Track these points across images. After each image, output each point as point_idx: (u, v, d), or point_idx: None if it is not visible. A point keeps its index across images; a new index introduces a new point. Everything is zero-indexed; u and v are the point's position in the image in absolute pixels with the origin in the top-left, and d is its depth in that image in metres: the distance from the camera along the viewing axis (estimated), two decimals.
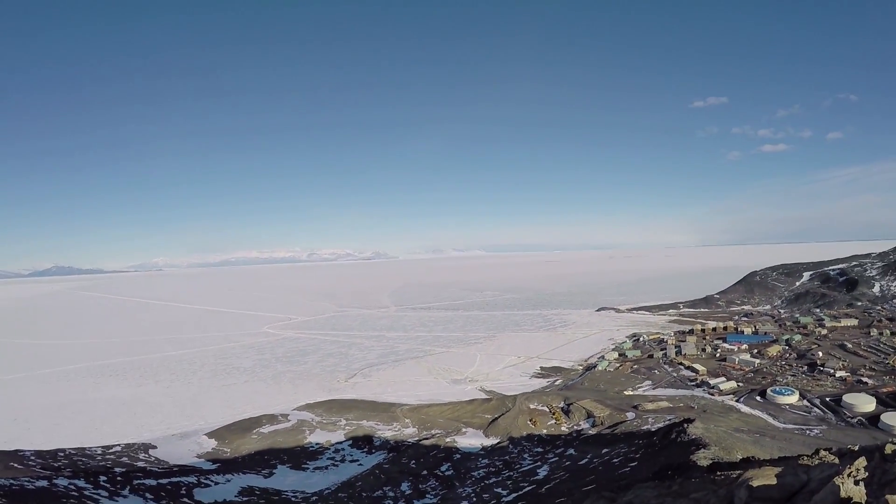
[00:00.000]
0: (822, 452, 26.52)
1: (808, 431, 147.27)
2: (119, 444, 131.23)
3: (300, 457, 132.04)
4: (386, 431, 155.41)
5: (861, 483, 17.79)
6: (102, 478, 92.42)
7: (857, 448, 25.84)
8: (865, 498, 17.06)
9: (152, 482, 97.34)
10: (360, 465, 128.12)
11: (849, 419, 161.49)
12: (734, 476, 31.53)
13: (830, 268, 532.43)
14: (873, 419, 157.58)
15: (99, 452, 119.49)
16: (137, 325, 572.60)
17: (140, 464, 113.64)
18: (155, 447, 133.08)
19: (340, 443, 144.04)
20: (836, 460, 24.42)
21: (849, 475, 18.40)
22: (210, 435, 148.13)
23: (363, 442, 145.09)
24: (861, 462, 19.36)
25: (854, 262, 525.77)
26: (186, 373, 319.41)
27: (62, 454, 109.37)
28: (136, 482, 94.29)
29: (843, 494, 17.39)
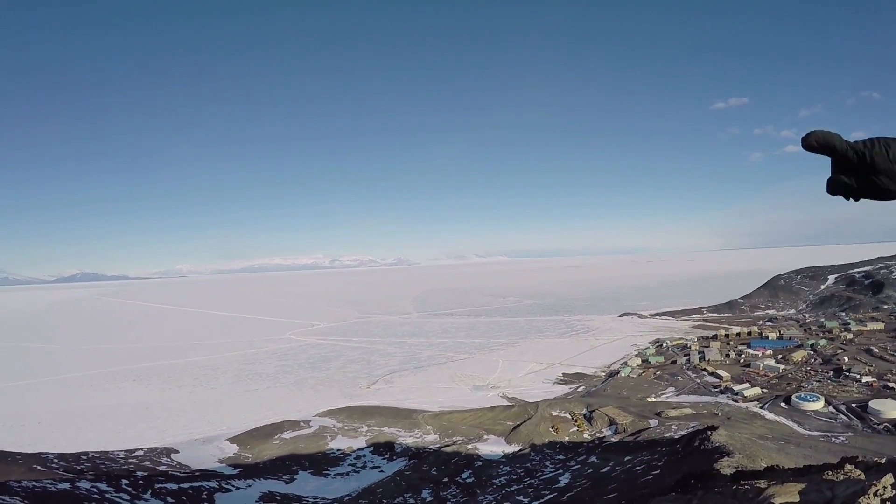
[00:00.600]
0: (848, 467, 25.39)
1: (833, 439, 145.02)
2: (141, 449, 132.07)
3: (321, 463, 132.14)
4: (407, 438, 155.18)
5: (888, 503, 16.84)
6: (124, 481, 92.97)
7: (884, 461, 24.93)
8: None
9: (174, 486, 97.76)
10: (382, 471, 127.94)
11: (875, 426, 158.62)
12: (758, 486, 30.74)
13: (855, 270, 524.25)
14: None
15: (122, 456, 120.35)
16: (161, 330, 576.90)
17: (162, 468, 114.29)
18: (177, 451, 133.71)
19: (362, 449, 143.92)
20: (862, 475, 23.09)
21: (875, 494, 17.40)
22: (232, 440, 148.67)
23: (384, 448, 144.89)
24: (888, 479, 18.12)
25: (880, 265, 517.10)
26: (209, 378, 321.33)
27: (85, 457, 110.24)
28: (157, 486, 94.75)
29: None
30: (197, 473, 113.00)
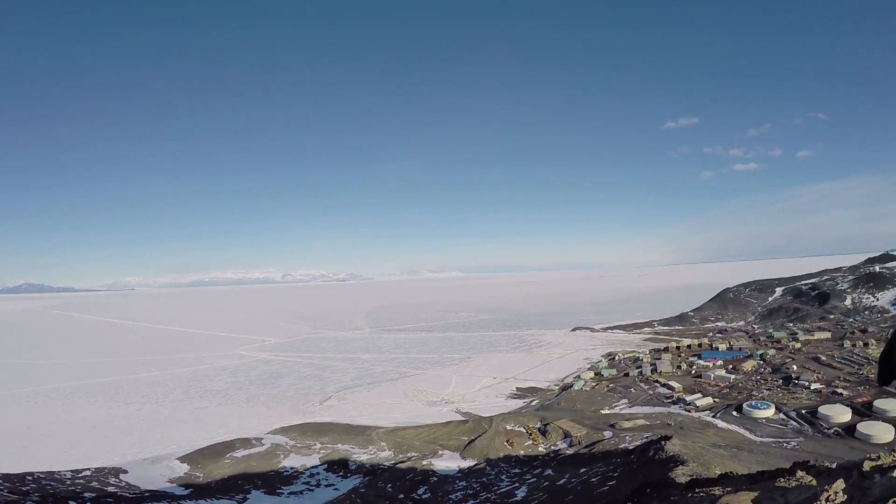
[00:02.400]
0: (800, 473, 25.73)
1: (785, 444, 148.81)
2: (89, 469, 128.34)
3: (274, 482, 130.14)
4: (362, 455, 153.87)
5: None
6: (72, 503, 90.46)
7: (835, 466, 25.47)
8: None
9: None
10: (336, 489, 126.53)
11: (825, 430, 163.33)
12: (712, 493, 31.20)
13: (802, 282, 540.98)
14: (850, 429, 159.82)
15: (69, 477, 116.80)
16: (109, 345, 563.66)
17: (110, 489, 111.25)
18: (126, 472, 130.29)
19: (315, 467, 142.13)
20: (814, 481, 23.57)
21: (826, 500, 17.80)
22: (182, 459, 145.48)
23: (338, 466, 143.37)
24: (839, 485, 18.54)
25: (825, 277, 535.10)
26: (158, 395, 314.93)
27: (30, 478, 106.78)
28: None
29: None
30: (147, 494, 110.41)
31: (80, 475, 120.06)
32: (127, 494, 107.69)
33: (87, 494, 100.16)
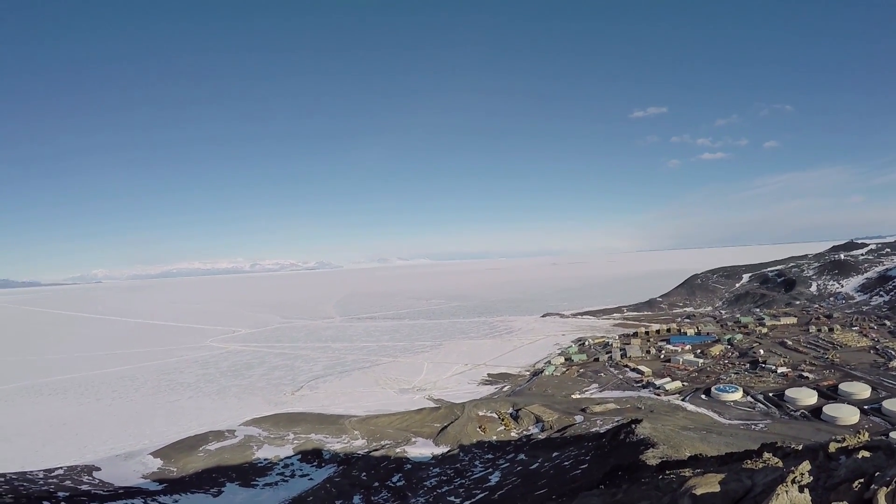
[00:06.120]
0: (767, 455, 26.14)
1: (753, 426, 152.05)
2: (61, 467, 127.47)
3: (249, 473, 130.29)
4: (335, 444, 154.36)
5: (806, 490, 17.37)
6: (45, 503, 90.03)
7: (801, 448, 26.32)
8: None
9: None
10: (311, 479, 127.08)
11: (792, 413, 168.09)
12: (682, 475, 32.20)
13: (769, 269, 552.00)
14: (815, 412, 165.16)
15: (41, 476, 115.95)
16: (77, 340, 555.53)
17: (84, 487, 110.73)
18: (99, 469, 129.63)
19: (289, 457, 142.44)
20: (780, 463, 24.23)
21: (793, 481, 18.10)
22: (155, 454, 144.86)
23: (312, 456, 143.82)
24: (805, 466, 19.23)
25: (791, 264, 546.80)
26: (128, 390, 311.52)
27: (2, 479, 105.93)
28: None
29: (787, 502, 17.01)
30: (121, 491, 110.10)
31: (52, 474, 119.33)
32: (101, 492, 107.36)
33: (60, 494, 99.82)
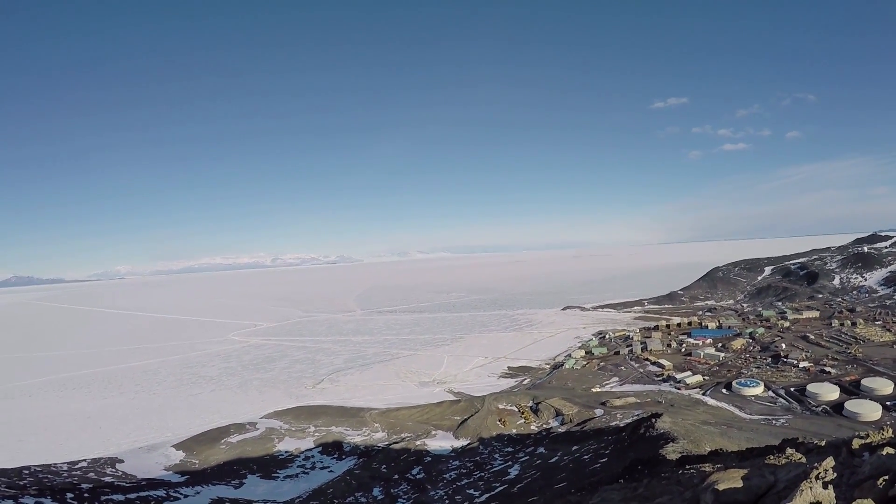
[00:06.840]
0: (789, 451, 25.64)
1: (774, 421, 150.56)
2: (85, 460, 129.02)
3: (270, 465, 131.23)
4: (355, 437, 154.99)
5: (830, 486, 16.75)
6: (69, 495, 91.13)
7: (824, 443, 25.81)
8: (834, 502, 16.15)
9: (120, 497, 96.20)
10: (331, 471, 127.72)
11: (813, 408, 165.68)
12: (703, 470, 31.79)
13: (791, 262, 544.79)
14: (837, 407, 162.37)
15: (65, 469, 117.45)
16: (100, 335, 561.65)
17: (107, 479, 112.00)
18: (122, 461, 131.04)
19: (310, 450, 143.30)
20: (804, 459, 23.72)
21: (816, 477, 17.49)
22: (177, 447, 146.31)
23: (333, 448, 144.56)
24: (829, 462, 18.44)
25: (814, 256, 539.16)
26: (151, 383, 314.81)
27: (27, 472, 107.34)
28: (103, 498, 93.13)
29: (811, 499, 16.38)
30: (143, 483, 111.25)
31: (76, 467, 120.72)
32: (124, 483, 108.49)
33: (84, 485, 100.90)
